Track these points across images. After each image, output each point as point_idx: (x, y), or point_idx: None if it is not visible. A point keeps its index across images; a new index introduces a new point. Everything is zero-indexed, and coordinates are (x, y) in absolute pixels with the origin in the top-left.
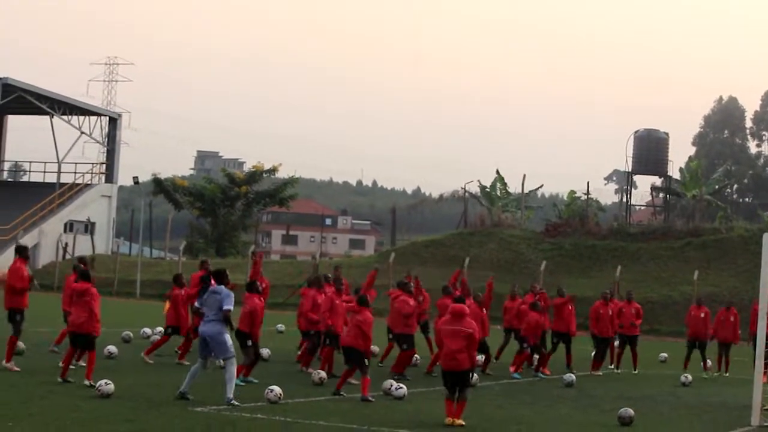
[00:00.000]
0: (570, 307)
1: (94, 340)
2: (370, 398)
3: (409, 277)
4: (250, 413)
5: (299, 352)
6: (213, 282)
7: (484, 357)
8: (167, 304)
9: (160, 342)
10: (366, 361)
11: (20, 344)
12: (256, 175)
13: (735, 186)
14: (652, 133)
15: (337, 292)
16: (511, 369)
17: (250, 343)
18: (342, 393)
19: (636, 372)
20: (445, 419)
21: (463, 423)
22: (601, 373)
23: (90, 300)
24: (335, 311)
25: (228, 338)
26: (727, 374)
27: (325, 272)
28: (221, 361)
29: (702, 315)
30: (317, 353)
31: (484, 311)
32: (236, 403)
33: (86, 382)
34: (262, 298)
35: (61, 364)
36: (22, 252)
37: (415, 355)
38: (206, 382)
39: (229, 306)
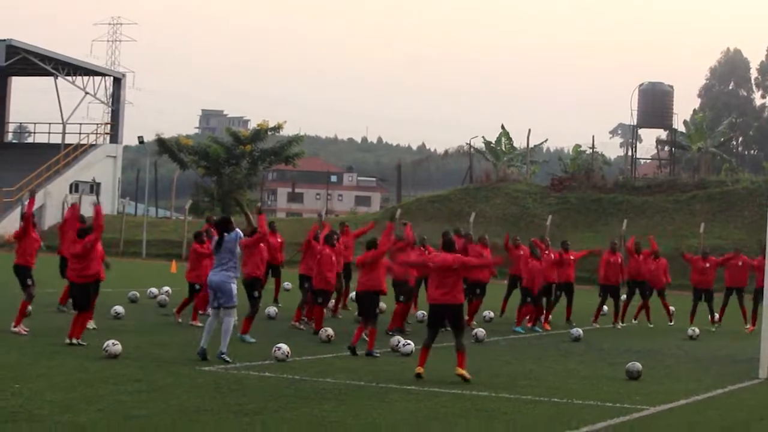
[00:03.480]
0: (572, 258)
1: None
2: (375, 353)
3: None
4: (258, 371)
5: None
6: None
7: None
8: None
9: (189, 301)
10: (377, 308)
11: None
12: (260, 133)
13: (740, 138)
14: (657, 86)
15: (330, 246)
16: (528, 324)
17: (256, 294)
18: (356, 351)
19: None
20: (416, 369)
21: (468, 376)
22: (598, 325)
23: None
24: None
25: (234, 288)
26: (747, 325)
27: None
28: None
29: (707, 265)
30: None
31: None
32: (228, 359)
33: (70, 340)
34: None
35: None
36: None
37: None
38: (213, 342)
39: (238, 245)
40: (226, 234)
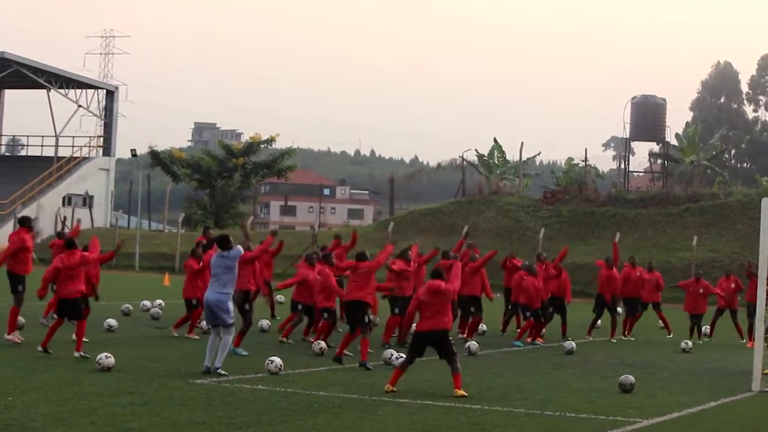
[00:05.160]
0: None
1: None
2: (369, 366)
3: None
4: (251, 384)
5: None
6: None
7: (471, 319)
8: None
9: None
10: (367, 318)
11: (20, 319)
12: (253, 146)
13: (733, 151)
14: (649, 99)
15: (329, 266)
16: (528, 340)
17: (248, 306)
18: (342, 361)
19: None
20: (385, 386)
21: (465, 393)
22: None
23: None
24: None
25: (230, 306)
26: (743, 340)
27: (325, 243)
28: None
29: (701, 291)
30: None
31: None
32: (223, 372)
33: (76, 354)
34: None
35: (73, 337)
36: (24, 223)
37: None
38: (204, 354)
39: (237, 261)
40: (226, 251)
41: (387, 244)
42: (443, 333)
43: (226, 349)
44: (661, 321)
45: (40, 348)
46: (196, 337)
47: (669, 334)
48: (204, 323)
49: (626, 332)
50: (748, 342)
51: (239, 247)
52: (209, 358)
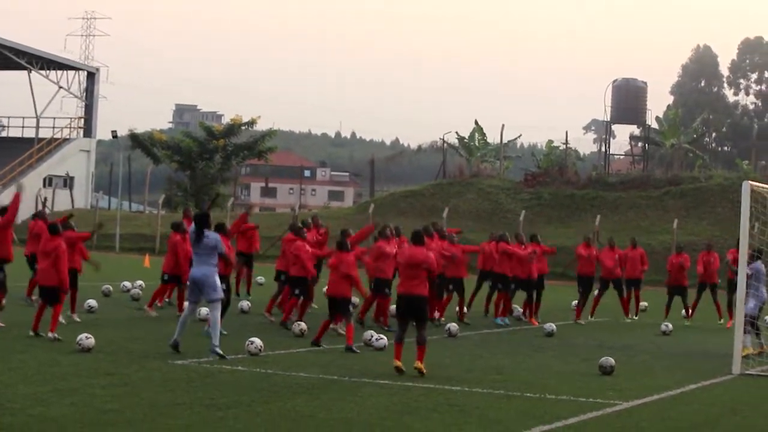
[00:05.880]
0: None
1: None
2: (355, 349)
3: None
4: (231, 365)
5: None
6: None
7: (458, 301)
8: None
9: (160, 291)
10: (350, 307)
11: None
12: (234, 128)
13: (713, 135)
14: (630, 82)
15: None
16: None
17: (224, 286)
18: (322, 344)
19: (630, 319)
20: (394, 363)
21: (424, 370)
22: (583, 322)
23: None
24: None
25: (218, 281)
26: (721, 321)
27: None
28: (201, 313)
29: (681, 262)
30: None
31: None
32: (220, 352)
33: (50, 335)
34: (228, 241)
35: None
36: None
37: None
38: (186, 335)
39: (222, 249)
40: (206, 231)
41: (367, 225)
42: (419, 299)
43: (218, 327)
44: (635, 300)
45: (31, 332)
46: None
47: (635, 316)
48: (186, 304)
49: (629, 313)
50: (728, 323)
51: (218, 236)
52: (179, 333)
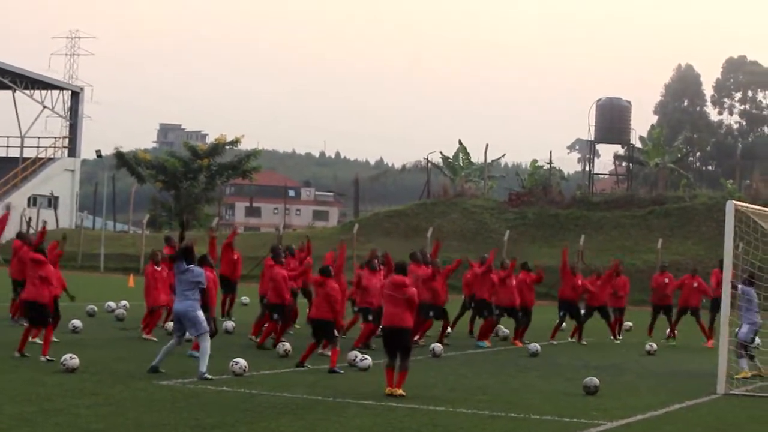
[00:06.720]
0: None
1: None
2: (338, 370)
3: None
4: (215, 386)
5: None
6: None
7: (442, 324)
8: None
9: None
10: (335, 332)
11: None
12: (218, 147)
13: (698, 154)
14: (614, 101)
15: (278, 264)
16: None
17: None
18: (306, 365)
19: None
20: (385, 389)
21: (404, 393)
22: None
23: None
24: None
25: (200, 314)
26: (711, 343)
27: (291, 243)
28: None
29: (666, 281)
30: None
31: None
32: (209, 376)
33: (43, 358)
34: (213, 271)
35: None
36: None
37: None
38: (171, 354)
39: (204, 284)
40: (191, 265)
41: (339, 246)
42: (402, 330)
43: (206, 355)
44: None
45: (17, 353)
46: (155, 339)
47: (618, 338)
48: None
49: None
50: (708, 342)
51: (202, 270)
52: (159, 360)
